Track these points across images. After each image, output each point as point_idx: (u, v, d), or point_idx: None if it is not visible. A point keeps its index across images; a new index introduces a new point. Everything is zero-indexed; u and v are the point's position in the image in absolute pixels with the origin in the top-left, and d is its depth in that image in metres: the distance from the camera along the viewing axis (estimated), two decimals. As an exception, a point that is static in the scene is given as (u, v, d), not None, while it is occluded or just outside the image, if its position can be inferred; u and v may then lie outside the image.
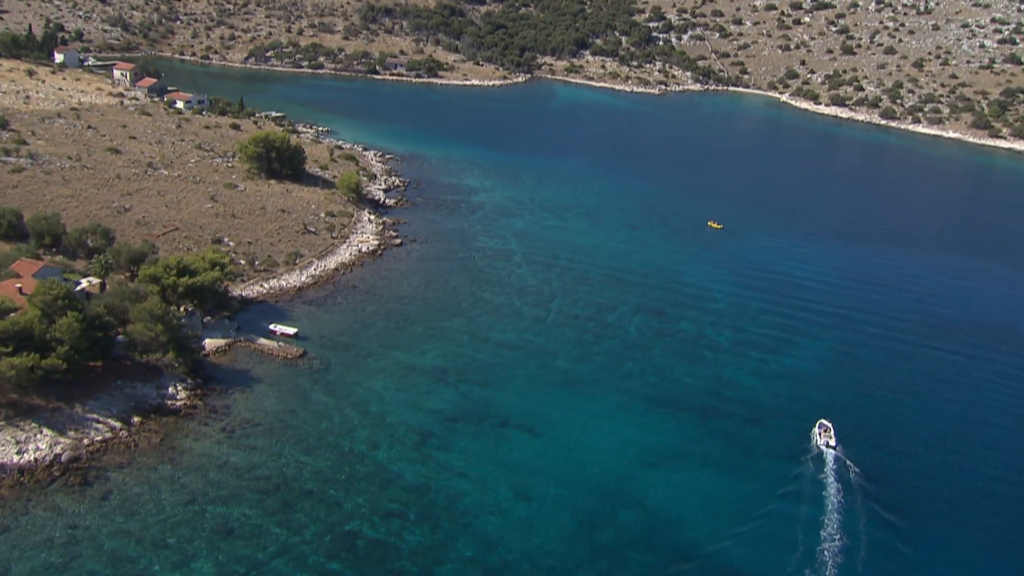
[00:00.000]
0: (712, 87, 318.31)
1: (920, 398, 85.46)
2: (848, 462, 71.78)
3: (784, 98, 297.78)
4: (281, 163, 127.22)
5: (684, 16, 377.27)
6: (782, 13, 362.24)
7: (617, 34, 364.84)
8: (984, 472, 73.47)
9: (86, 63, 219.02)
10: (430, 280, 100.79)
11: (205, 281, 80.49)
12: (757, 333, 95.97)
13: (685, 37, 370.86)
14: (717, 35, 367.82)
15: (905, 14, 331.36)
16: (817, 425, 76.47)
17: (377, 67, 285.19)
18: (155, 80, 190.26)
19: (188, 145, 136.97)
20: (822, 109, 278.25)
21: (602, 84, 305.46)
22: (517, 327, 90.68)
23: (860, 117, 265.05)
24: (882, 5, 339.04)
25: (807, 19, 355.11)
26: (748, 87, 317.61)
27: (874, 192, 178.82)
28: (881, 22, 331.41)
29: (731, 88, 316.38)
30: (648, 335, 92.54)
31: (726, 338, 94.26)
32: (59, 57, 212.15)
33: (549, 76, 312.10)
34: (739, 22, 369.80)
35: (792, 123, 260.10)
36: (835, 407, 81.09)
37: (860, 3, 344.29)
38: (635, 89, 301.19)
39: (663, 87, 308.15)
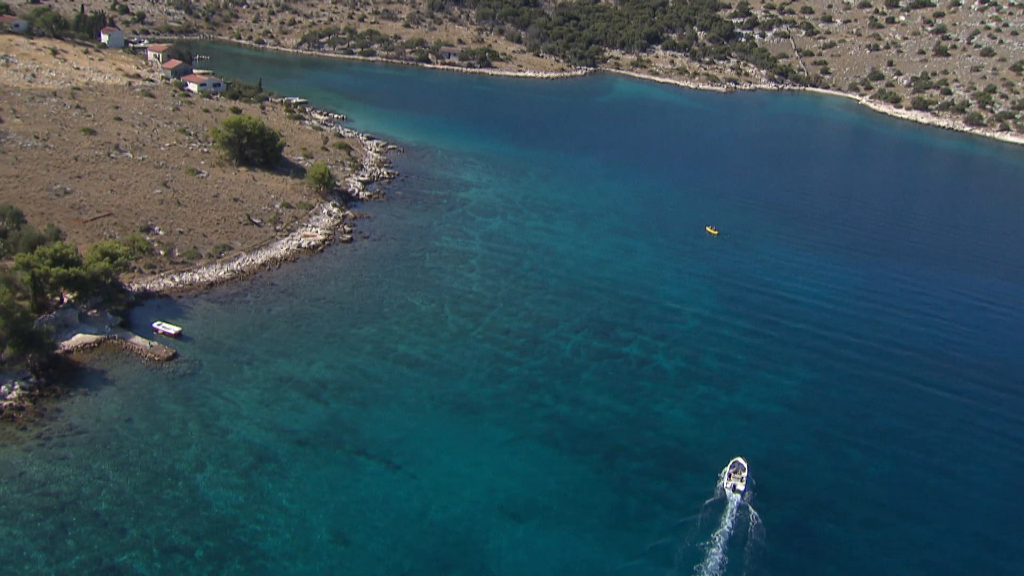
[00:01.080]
0: (787, 87, 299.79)
1: (883, 455, 72.33)
2: (753, 513, 60.29)
3: (864, 100, 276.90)
4: (254, 149, 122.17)
5: (771, 12, 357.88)
6: (876, 11, 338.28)
7: (695, 29, 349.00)
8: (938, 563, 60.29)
9: (136, 44, 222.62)
10: (361, 281, 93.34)
11: (86, 272, 75.26)
12: (716, 362, 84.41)
13: (769, 34, 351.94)
14: (803, 33, 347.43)
15: (1011, 13, 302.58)
16: (730, 464, 65.13)
17: (429, 56, 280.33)
18: (179, 62, 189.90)
19: (172, 128, 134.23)
20: (902, 113, 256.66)
21: (666, 80, 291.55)
22: (432, 340, 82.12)
23: (942, 123, 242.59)
24: (986, 4, 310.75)
25: (902, 18, 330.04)
26: (827, 88, 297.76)
27: (927, 201, 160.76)
28: (983, 22, 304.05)
29: (808, 88, 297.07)
30: (583, 357, 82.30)
31: (675, 366, 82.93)
32: (104, 38, 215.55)
33: (613, 70, 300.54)
34: (828, 19, 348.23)
35: (863, 126, 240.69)
36: (775, 455, 69.20)
37: (962, 1, 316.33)
38: (700, 86, 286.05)
39: (732, 85, 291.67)
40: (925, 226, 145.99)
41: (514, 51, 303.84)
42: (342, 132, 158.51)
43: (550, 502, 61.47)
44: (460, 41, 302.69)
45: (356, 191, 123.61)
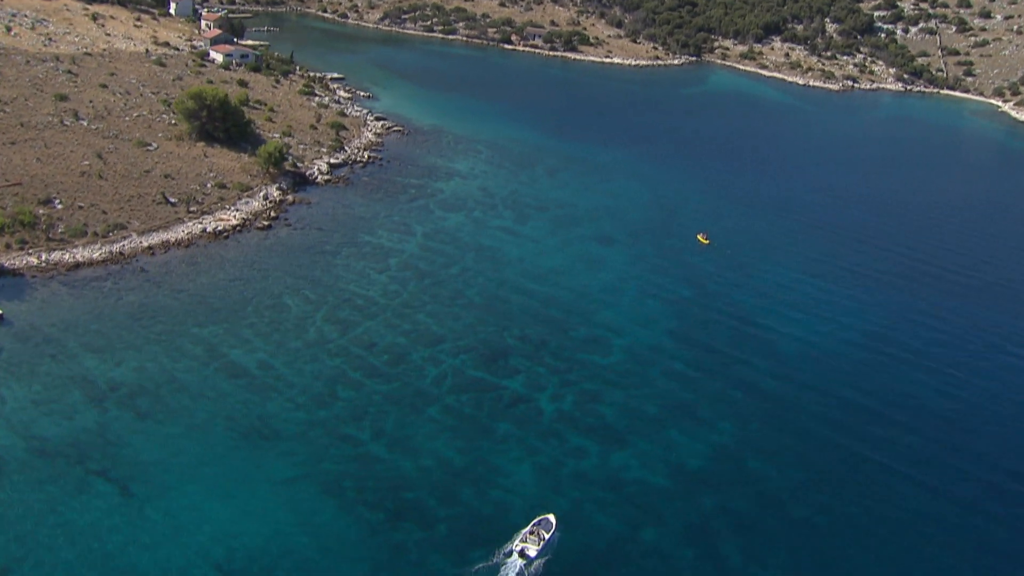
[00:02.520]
0: (918, 88, 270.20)
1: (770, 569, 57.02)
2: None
3: (1005, 107, 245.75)
4: (215, 124, 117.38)
5: (920, 6, 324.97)
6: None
7: (826, 20, 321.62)
8: None
9: (214, 9, 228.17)
10: (245, 275, 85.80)
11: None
12: (614, 410, 71.21)
13: (913, 29, 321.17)
14: (953, 29, 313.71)
15: None
16: (534, 521, 52.92)
17: (513, 37, 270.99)
18: (219, 31, 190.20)
19: (156, 99, 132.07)
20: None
21: (774, 74, 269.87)
22: (277, 348, 73.32)
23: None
24: None
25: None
26: (966, 92, 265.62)
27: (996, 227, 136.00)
28: None
29: (942, 91, 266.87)
30: (444, 388, 71.11)
31: (557, 410, 70.28)
32: (172, 7, 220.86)
33: (719, 61, 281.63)
34: (987, 15, 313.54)
35: (995, 136, 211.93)
36: (624, 541, 56.10)
37: None
38: (812, 83, 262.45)
39: (849, 84, 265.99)
40: (1011, 260, 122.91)
41: (609, 36, 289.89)
42: (347, 111, 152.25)
43: (285, 565, 51.05)
44: (553, 23, 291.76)
45: (316, 174, 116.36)
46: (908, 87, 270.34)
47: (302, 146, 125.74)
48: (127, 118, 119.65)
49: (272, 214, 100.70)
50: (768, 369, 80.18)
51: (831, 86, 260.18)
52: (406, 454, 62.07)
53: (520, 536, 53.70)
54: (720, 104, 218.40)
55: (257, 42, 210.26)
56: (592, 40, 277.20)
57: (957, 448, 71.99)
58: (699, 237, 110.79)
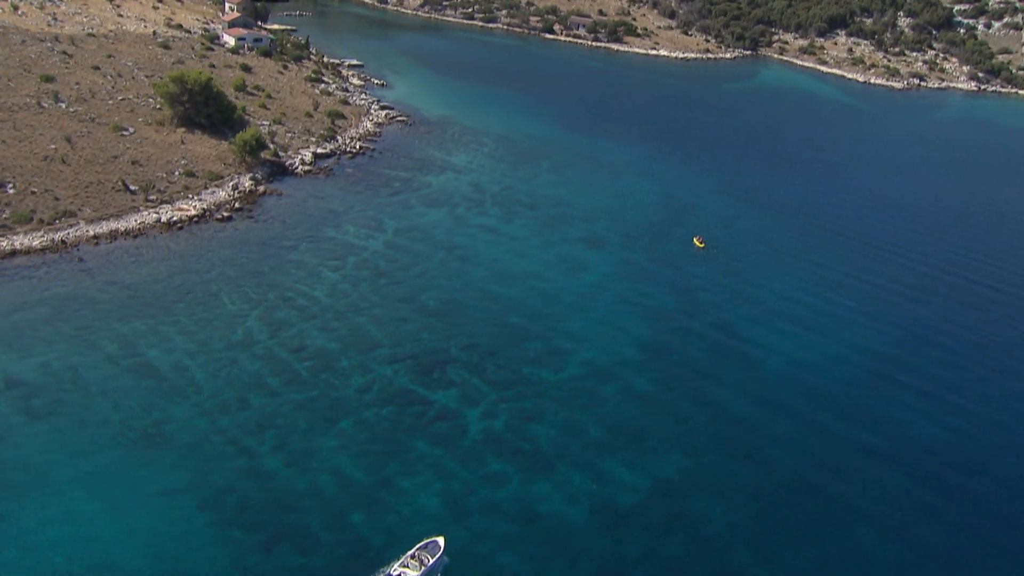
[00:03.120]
0: (993, 88, 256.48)
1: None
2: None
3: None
4: (196, 109, 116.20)
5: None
6: None
7: (899, 13, 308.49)
8: None
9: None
10: (187, 269, 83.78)
11: None
12: (554, 432, 66.85)
13: (997, 24, 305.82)
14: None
15: None
16: (418, 545, 49.26)
17: (555, 26, 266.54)
18: (237, 15, 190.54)
19: (146, 83, 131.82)
20: None
21: (833, 71, 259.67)
22: (199, 349, 70.91)
23: None
24: None
25: None
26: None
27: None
28: None
29: (1022, 92, 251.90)
30: (367, 399, 67.65)
31: (485, 430, 66.18)
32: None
33: (776, 55, 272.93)
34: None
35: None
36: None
37: None
38: (873, 80, 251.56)
39: (915, 81, 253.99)
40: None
41: (659, 27, 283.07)
42: (352, 99, 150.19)
43: (131, 592, 48.13)
44: (601, 12, 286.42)
45: (296, 164, 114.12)
46: (982, 86, 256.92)
47: (290, 134, 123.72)
48: (111, 101, 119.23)
49: (236, 205, 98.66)
50: (743, 390, 74.55)
51: (894, 84, 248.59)
52: (304, 470, 58.59)
53: (401, 560, 49.76)
54: (766, 101, 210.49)
55: (283, 27, 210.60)
56: (640, 31, 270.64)
57: (949, 492, 65.26)
58: (695, 240, 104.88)
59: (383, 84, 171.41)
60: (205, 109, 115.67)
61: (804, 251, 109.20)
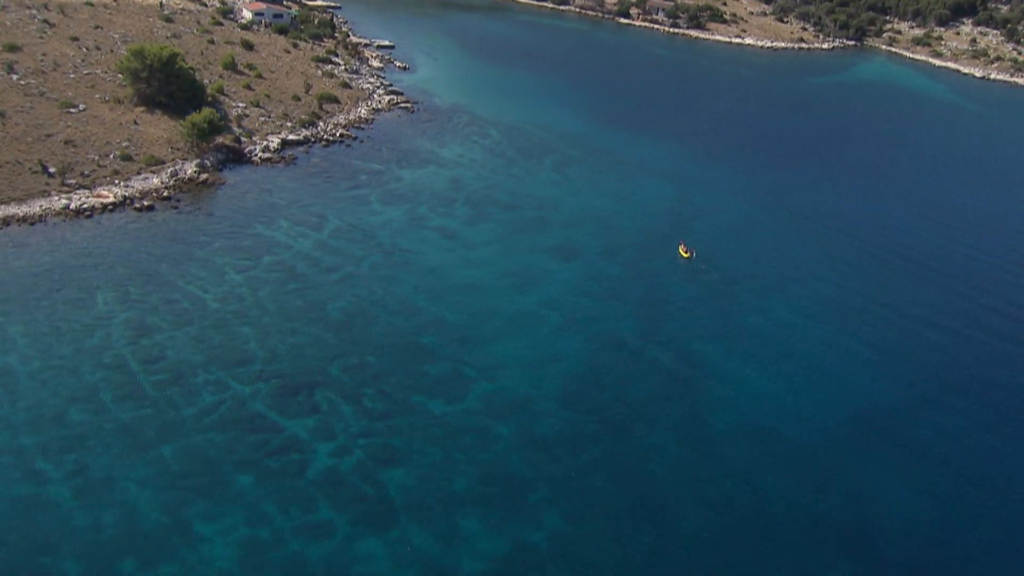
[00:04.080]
0: None
1: None
2: None
3: None
4: (157, 87, 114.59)
5: None
6: None
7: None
8: None
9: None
10: (72, 263, 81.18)
11: None
12: (416, 478, 60.65)
13: None
14: None
15: None
16: None
17: (631, 10, 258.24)
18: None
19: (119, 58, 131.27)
20: None
21: (947, 64, 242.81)
22: (40, 354, 67.85)
23: None
24: None
25: None
26: None
27: None
28: None
29: None
30: (205, 422, 62.79)
31: (332, 468, 60.44)
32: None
33: (883, 47, 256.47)
34: None
35: None
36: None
37: None
38: (994, 76, 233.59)
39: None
40: None
41: (752, 13, 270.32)
42: (356, 82, 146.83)
43: None
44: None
45: (256, 151, 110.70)
46: None
47: (263, 118, 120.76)
48: (72, 75, 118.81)
49: (165, 194, 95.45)
50: (681, 439, 66.38)
51: (1018, 80, 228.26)
52: (92, 504, 53.95)
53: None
54: (851, 98, 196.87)
55: (326, 3, 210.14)
56: (727, 17, 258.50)
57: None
58: (680, 249, 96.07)
59: (406, 67, 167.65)
60: (167, 87, 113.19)
61: (826, 271, 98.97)
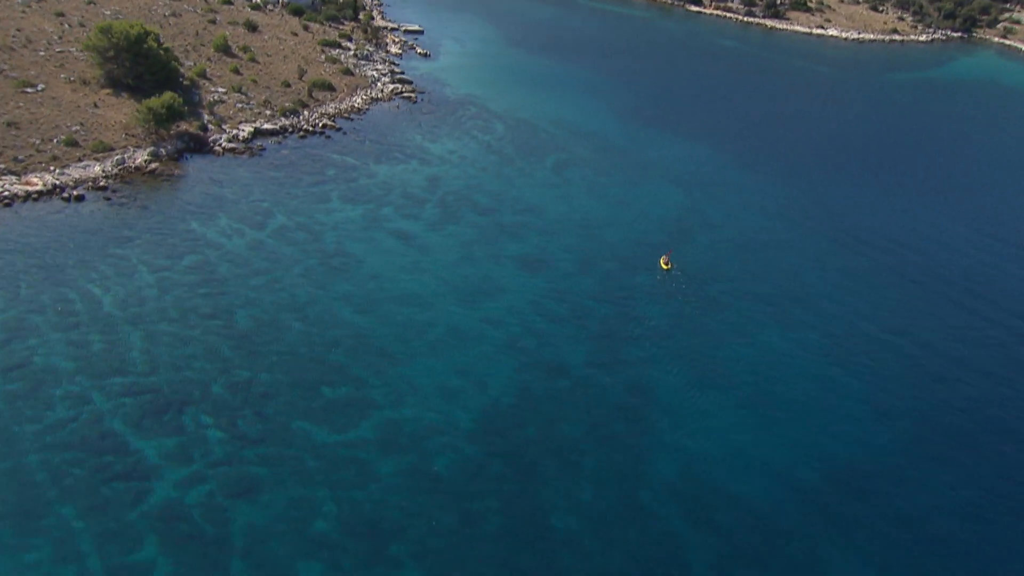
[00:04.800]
0: None
1: None
2: None
3: None
4: (124, 68, 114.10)
5: None
6: None
7: None
8: None
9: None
10: (-25, 252, 79.99)
11: None
12: (259, 521, 56.66)
13: None
14: None
15: None
16: None
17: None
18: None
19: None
20: None
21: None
22: None
23: None
24: None
25: None
26: None
27: None
28: None
29: None
30: (43, 442, 60.15)
31: (173, 500, 56.99)
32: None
33: (997, 39, 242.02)
34: None
35: None
36: None
37: None
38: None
39: None
40: None
41: (841, 1, 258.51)
42: (359, 69, 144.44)
43: None
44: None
45: (220, 140, 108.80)
46: None
47: (241, 105, 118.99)
48: (43, 53, 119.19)
49: (103, 183, 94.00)
50: (589, 499, 60.77)
51: None
52: None
53: None
54: (936, 98, 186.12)
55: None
56: (811, 4, 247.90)
57: None
58: (661, 261, 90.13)
59: (426, 54, 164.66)
60: (135, 69, 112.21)
61: (843, 294, 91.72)
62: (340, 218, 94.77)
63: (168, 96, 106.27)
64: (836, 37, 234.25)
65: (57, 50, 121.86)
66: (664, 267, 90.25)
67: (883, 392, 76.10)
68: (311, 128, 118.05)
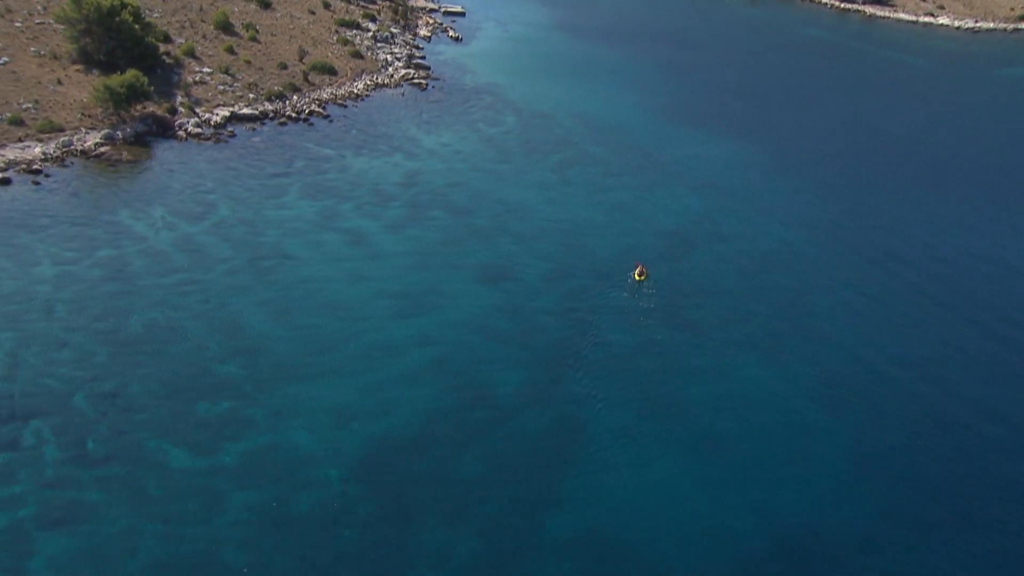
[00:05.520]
0: None
1: None
2: None
3: None
4: (97, 43, 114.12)
5: None
6: None
7: None
8: None
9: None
10: None
11: None
12: (55, 553, 53.77)
13: None
14: None
15: None
16: None
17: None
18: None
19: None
20: None
21: None
22: None
23: None
24: None
25: None
26: None
27: None
28: None
29: None
30: None
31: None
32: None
33: None
34: None
35: None
36: None
37: None
38: None
39: None
40: None
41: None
42: (370, 53, 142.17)
43: None
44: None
45: (186, 124, 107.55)
46: None
47: (223, 87, 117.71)
48: (20, 24, 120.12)
49: (37, 167, 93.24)
50: (467, 559, 55.44)
51: None
52: None
53: None
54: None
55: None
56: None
57: None
58: (635, 273, 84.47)
59: (458, 38, 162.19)
60: (106, 43, 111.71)
61: (859, 324, 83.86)
62: (290, 214, 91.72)
63: (131, 74, 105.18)
64: (947, 26, 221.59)
65: (36, 22, 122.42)
66: (637, 279, 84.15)
67: (871, 442, 68.70)
68: (295, 115, 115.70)
